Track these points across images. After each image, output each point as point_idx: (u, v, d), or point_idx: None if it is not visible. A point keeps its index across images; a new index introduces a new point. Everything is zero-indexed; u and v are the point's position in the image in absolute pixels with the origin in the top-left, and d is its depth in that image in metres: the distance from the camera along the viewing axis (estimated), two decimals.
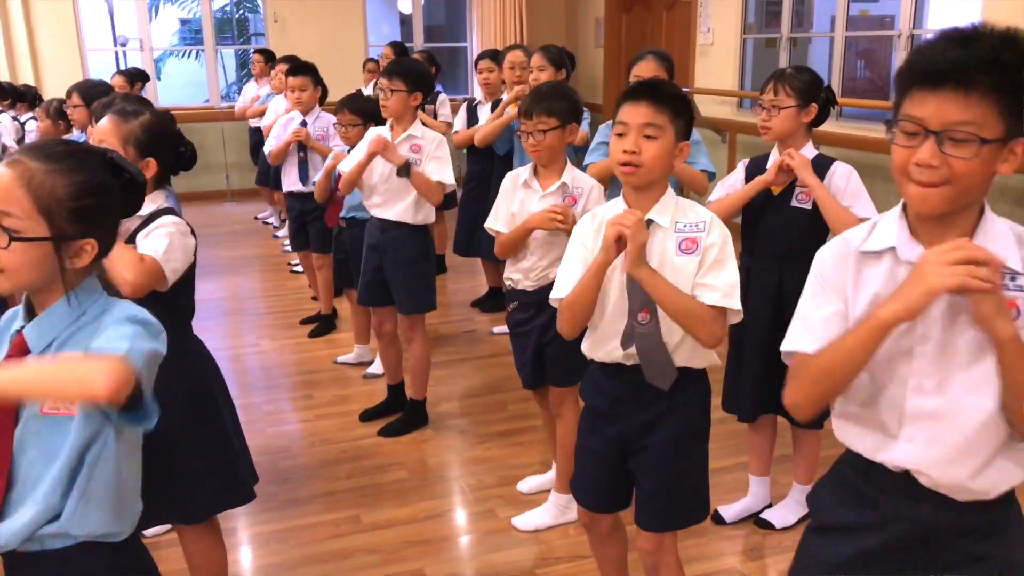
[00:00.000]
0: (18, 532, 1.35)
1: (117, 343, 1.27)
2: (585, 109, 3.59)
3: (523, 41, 8.44)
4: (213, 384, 2.22)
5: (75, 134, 4.18)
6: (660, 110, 1.89)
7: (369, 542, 2.85)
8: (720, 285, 1.88)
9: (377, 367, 4.20)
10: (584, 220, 2.07)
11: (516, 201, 2.72)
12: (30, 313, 1.39)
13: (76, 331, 1.36)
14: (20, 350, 1.36)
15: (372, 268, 3.57)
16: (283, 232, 7.10)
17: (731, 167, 6.73)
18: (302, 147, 4.67)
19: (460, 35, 9.86)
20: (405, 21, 12.02)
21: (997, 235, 1.30)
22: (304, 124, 4.70)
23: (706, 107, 6.84)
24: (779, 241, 2.67)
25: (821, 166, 2.58)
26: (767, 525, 2.86)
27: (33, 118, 6.22)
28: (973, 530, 1.37)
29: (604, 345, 2.00)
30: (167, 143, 2.15)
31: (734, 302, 1.88)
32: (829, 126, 2.87)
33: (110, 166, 1.37)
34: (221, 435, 2.21)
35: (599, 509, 2.17)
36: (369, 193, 3.50)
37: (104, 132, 2.07)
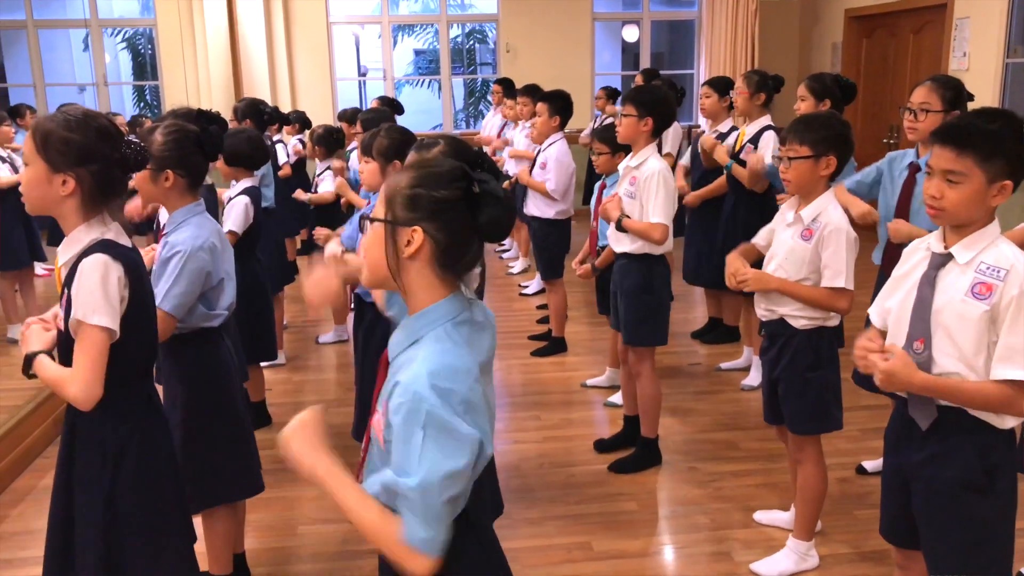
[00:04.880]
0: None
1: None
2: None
3: (754, 67, 8.20)
4: None
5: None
6: (962, 155, 1.79)
7: (601, 570, 2.84)
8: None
9: (618, 397, 4.12)
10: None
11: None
12: None
13: (415, 344, 1.40)
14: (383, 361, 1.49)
15: (612, 292, 3.61)
16: (510, 253, 7.32)
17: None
18: None
19: (684, 62, 9.76)
20: (627, 49, 12.10)
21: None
22: (538, 152, 4.85)
23: None
24: None
25: None
26: None
27: (301, 140, 6.90)
28: None
29: None
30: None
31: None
32: None
33: (462, 172, 1.40)
34: None
35: (890, 539, 2.13)
36: None
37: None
